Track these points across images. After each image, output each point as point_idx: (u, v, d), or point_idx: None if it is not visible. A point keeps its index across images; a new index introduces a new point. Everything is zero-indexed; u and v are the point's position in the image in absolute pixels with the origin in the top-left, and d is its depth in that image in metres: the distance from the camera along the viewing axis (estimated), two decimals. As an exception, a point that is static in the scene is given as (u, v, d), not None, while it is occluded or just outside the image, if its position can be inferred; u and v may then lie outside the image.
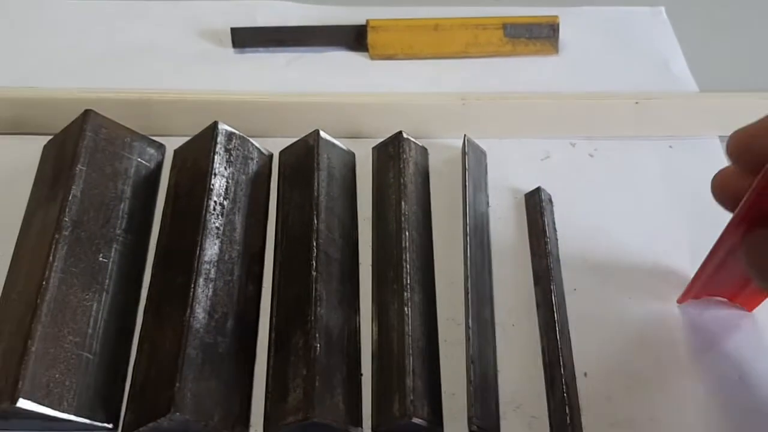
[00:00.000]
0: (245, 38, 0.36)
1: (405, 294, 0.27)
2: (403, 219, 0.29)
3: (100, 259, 0.27)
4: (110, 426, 0.24)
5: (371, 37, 0.36)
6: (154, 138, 0.32)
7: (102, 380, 0.25)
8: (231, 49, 0.37)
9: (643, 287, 0.29)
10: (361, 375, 0.26)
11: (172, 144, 0.32)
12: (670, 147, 0.34)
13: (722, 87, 0.36)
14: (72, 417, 0.23)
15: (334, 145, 0.32)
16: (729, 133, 0.34)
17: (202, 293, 0.26)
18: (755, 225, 0.22)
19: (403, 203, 0.30)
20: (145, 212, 0.30)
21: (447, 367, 0.27)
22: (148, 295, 0.27)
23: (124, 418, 0.25)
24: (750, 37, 0.39)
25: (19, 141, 0.33)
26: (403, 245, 0.28)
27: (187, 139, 0.32)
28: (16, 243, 0.28)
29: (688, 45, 0.38)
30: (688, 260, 0.30)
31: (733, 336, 0.28)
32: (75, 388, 0.24)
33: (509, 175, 0.33)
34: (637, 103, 0.33)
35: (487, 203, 0.32)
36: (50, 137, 0.32)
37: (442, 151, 0.34)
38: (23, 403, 0.22)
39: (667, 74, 0.37)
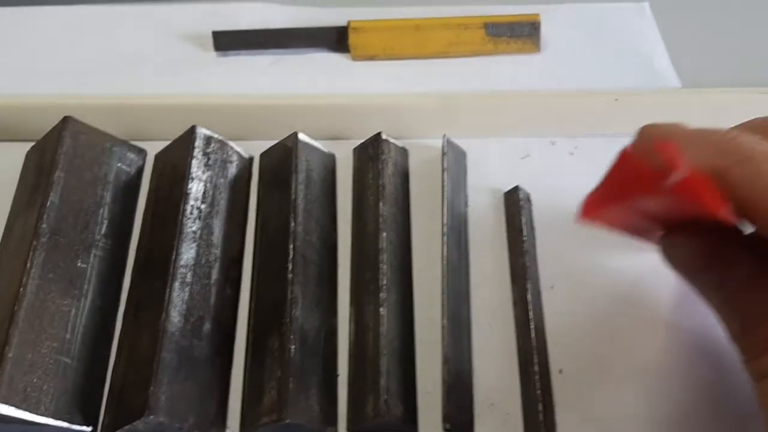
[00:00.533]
0: (227, 41, 0.37)
1: (381, 295, 0.27)
2: (380, 220, 0.29)
3: (79, 264, 0.27)
4: (89, 429, 0.25)
5: (353, 39, 0.36)
6: (135, 143, 0.32)
7: (80, 384, 0.25)
8: (213, 53, 0.37)
9: (620, 285, 0.29)
10: (338, 376, 0.27)
11: (154, 148, 0.33)
12: (651, 143, 0.34)
13: (706, 82, 0.36)
14: (50, 421, 0.24)
15: (313, 147, 0.32)
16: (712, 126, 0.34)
17: (178, 297, 0.26)
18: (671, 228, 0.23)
19: (381, 204, 0.30)
20: (125, 217, 0.30)
21: (423, 366, 0.27)
22: (127, 300, 0.28)
23: (103, 421, 0.25)
24: (735, 31, 0.39)
25: (2, 147, 0.33)
26: (380, 246, 0.29)
27: (168, 143, 0.32)
28: (-2, 250, 0.29)
29: (672, 40, 0.38)
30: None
31: (712, 338, 0.28)
32: (53, 392, 0.24)
33: (489, 175, 0.33)
34: (617, 99, 0.33)
35: (466, 203, 0.32)
36: (33, 143, 0.32)
37: (423, 151, 0.34)
38: (0, 408, 0.23)
39: (650, 70, 0.37)
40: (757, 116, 0.27)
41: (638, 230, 0.25)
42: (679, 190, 0.18)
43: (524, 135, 0.34)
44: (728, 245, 0.22)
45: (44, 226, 0.27)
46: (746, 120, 0.24)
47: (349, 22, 0.37)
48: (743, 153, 0.20)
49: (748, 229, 0.21)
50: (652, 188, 0.20)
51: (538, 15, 0.37)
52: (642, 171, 0.20)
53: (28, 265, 0.26)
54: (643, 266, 0.30)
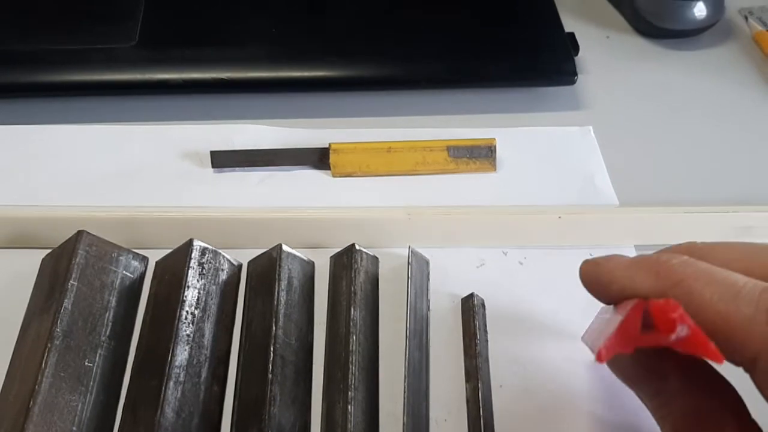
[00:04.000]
0: (223, 160, 0.42)
1: (349, 393, 0.31)
2: (351, 324, 0.34)
3: (86, 363, 0.31)
4: None
5: (333, 158, 0.42)
6: (138, 251, 0.37)
7: (83, 473, 0.29)
8: (210, 169, 0.42)
9: (563, 384, 0.34)
10: (310, 466, 0.30)
11: (155, 256, 0.37)
12: (591, 255, 0.38)
13: (640, 200, 0.42)
14: (55, 506, 0.27)
15: (295, 256, 0.37)
16: (644, 242, 0.39)
17: (172, 395, 0.30)
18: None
19: (352, 309, 0.34)
20: (127, 320, 0.34)
21: (386, 458, 0.31)
22: (126, 395, 0.32)
23: (101, 506, 0.28)
24: (668, 156, 0.45)
25: (20, 254, 0.37)
26: (351, 348, 0.33)
27: (168, 251, 0.37)
28: (14, 348, 0.33)
29: (613, 162, 0.44)
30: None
31: None
32: (59, 480, 0.28)
33: (449, 281, 0.38)
34: (560, 217, 0.38)
35: (428, 307, 0.37)
36: (48, 251, 0.36)
37: (392, 259, 0.38)
38: (14, 495, 0.26)
39: (592, 188, 0.42)
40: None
41: None
42: (684, 343, 0.22)
43: (480, 246, 0.39)
44: (662, 361, 0.26)
45: (58, 330, 0.31)
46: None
47: (330, 144, 0.42)
48: (676, 276, 0.23)
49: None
50: (655, 339, 0.23)
51: (494, 139, 0.42)
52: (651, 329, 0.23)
53: (43, 365, 0.29)
54: (584, 366, 0.34)
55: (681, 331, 0.21)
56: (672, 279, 0.23)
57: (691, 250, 0.26)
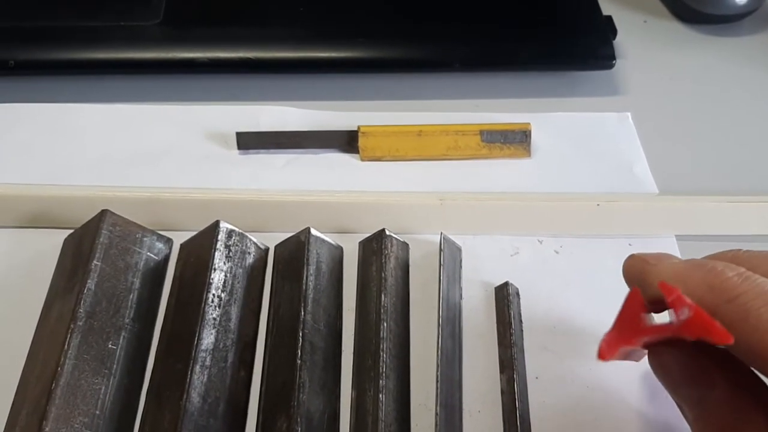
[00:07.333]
0: (249, 141, 0.41)
1: (380, 381, 0.30)
2: (382, 311, 0.32)
3: (110, 346, 0.30)
4: (111, 500, 0.27)
5: (362, 141, 0.40)
6: (162, 233, 0.36)
7: (106, 457, 0.28)
8: (236, 151, 0.41)
9: (602, 377, 0.32)
10: (339, 456, 0.29)
11: (179, 238, 0.36)
12: (630, 245, 0.37)
13: (680, 189, 0.40)
14: (77, 491, 0.26)
15: (323, 240, 0.35)
16: (685, 232, 0.38)
17: (198, 379, 0.29)
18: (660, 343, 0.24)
19: (383, 296, 0.33)
20: (152, 302, 0.33)
21: (418, 449, 0.30)
22: (150, 379, 0.31)
23: (124, 493, 0.28)
24: (709, 143, 0.43)
25: (42, 234, 0.36)
26: (381, 335, 0.31)
27: (193, 233, 0.36)
28: (36, 329, 0.32)
29: (652, 149, 0.42)
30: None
31: None
32: (81, 465, 0.27)
33: (482, 269, 0.36)
34: (598, 205, 0.37)
35: (461, 295, 0.35)
36: (71, 231, 0.35)
37: (423, 245, 0.37)
38: (35, 479, 0.25)
39: (631, 176, 0.41)
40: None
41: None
42: (688, 328, 0.20)
43: (514, 233, 0.37)
44: (710, 366, 0.23)
45: (81, 310, 0.30)
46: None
47: (359, 127, 0.41)
48: (733, 290, 0.20)
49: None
50: (660, 328, 0.21)
51: (528, 124, 0.41)
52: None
53: (66, 346, 0.28)
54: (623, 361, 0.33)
55: (682, 314, 0.20)
56: (727, 294, 0.21)
57: (736, 258, 0.23)
